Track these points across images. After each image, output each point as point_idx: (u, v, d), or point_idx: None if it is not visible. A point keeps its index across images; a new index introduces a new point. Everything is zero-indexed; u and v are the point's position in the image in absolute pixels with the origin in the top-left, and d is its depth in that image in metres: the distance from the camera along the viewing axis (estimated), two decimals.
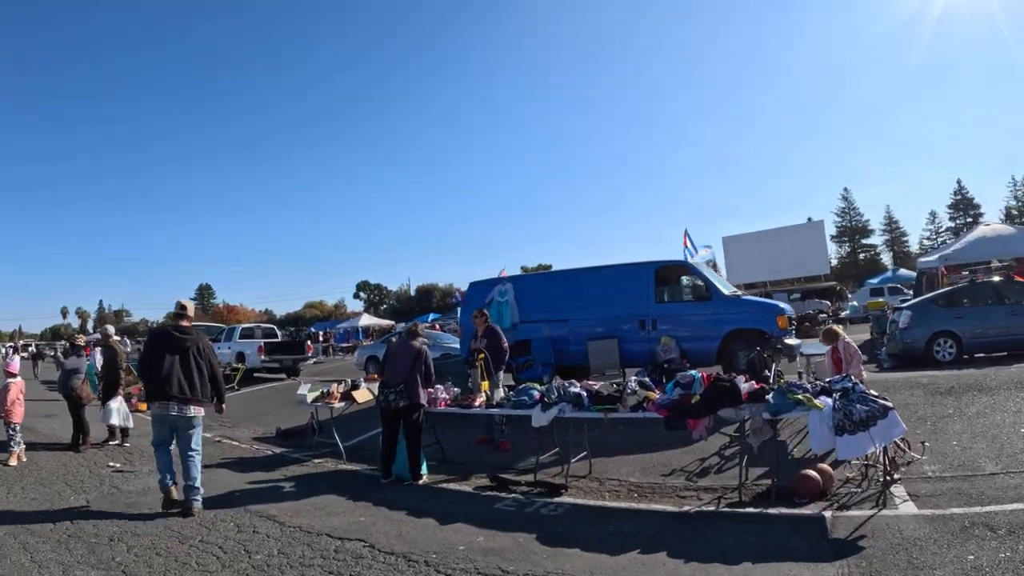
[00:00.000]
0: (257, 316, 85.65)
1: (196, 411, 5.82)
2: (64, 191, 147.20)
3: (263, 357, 19.16)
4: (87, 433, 9.33)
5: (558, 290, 12.58)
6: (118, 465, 8.12)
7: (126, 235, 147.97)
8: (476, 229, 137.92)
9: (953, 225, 73.14)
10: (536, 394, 6.94)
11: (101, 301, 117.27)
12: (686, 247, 18.22)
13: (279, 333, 22.85)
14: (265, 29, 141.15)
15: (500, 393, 7.64)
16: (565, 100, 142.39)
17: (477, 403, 7.48)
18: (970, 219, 69.23)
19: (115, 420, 9.33)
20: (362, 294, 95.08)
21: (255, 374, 19.81)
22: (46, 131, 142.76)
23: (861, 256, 79.35)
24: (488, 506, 5.91)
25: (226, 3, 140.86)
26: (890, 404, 5.23)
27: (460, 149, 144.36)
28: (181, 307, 6.21)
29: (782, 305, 11.97)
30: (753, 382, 6.19)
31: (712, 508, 5.46)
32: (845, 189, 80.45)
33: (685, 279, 12.20)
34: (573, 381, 7.11)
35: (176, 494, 5.76)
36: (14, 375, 8.60)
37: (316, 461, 8.29)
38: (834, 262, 57.79)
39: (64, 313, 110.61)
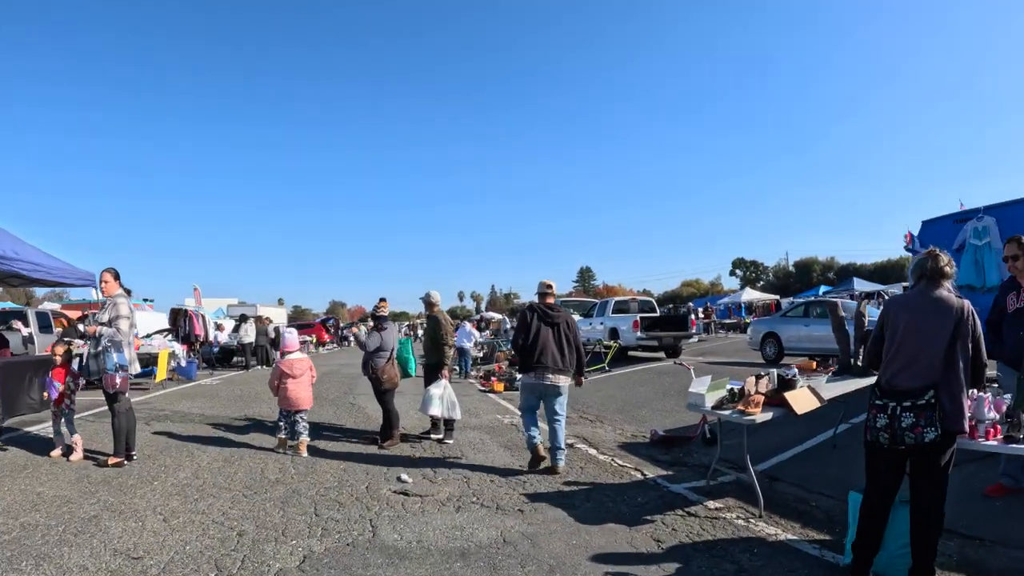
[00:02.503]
0: (635, 295, 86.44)
1: (564, 381, 5.87)
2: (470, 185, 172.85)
3: (639, 333, 16.09)
4: (394, 425, 7.18)
5: None
6: (409, 481, 5.53)
7: (517, 226, 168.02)
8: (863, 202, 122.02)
9: None
10: None
11: (493, 285, 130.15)
12: None
13: (657, 307, 19.51)
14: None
15: None
16: None
17: None
18: None
19: (436, 410, 6.95)
20: (738, 271, 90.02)
21: (629, 352, 16.96)
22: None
23: None
24: None
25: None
26: None
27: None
28: (547, 286, 6.14)
29: None
30: None
31: None
32: None
33: None
34: None
35: (543, 451, 5.90)
36: (289, 352, 6.90)
37: (711, 506, 4.75)
38: None
39: (460, 296, 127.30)
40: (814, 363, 5.76)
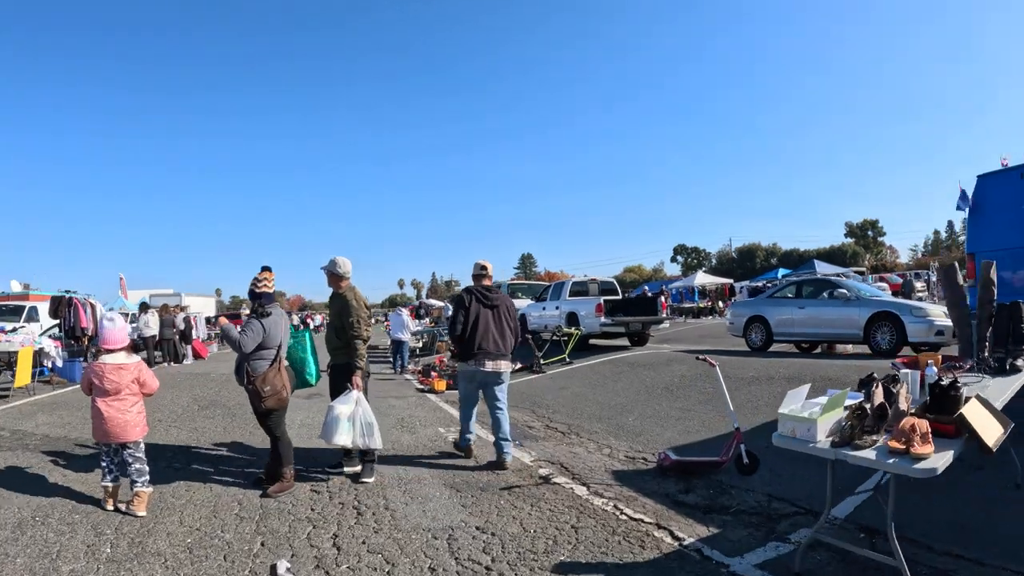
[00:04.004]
0: (594, 278, 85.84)
1: (506, 367, 5.45)
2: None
3: (603, 319, 13.92)
4: (284, 461, 4.66)
5: None
6: None
7: (456, 212, 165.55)
8: (798, 188, 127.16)
9: None
10: None
11: (434, 273, 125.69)
12: None
13: (620, 289, 17.49)
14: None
15: None
16: None
17: None
18: None
19: (342, 438, 4.57)
20: (679, 257, 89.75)
21: (590, 341, 14.90)
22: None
23: None
24: None
25: None
26: None
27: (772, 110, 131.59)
28: (482, 267, 5.57)
29: None
30: None
31: None
32: None
33: None
34: None
35: (474, 452, 5.57)
36: (108, 351, 4.31)
37: None
38: None
39: (401, 284, 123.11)
40: (939, 356, 3.77)
